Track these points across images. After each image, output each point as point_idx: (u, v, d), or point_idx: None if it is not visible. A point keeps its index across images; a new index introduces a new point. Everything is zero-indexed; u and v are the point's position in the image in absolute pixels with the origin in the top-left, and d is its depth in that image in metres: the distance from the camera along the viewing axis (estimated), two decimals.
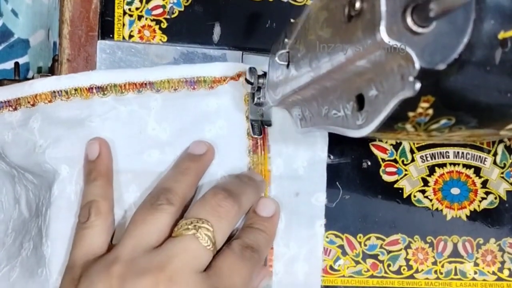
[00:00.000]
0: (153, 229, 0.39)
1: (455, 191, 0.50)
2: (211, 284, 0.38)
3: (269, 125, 0.46)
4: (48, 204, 0.43)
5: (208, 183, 0.45)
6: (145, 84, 0.44)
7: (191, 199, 0.44)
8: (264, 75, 0.43)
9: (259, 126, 0.46)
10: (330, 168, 0.48)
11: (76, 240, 0.41)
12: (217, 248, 0.39)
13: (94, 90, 0.44)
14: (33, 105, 0.43)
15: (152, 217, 0.39)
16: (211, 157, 0.45)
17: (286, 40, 0.37)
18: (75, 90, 0.43)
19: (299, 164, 0.46)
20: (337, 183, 0.48)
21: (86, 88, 0.44)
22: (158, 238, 0.39)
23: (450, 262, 0.49)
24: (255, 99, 0.45)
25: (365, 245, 0.48)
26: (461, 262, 0.49)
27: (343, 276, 0.48)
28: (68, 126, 0.43)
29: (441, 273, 0.49)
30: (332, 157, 0.48)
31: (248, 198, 0.43)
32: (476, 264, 0.49)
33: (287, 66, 0.37)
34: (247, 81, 0.44)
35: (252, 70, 0.44)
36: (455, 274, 0.49)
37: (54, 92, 0.43)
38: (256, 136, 0.46)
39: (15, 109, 0.44)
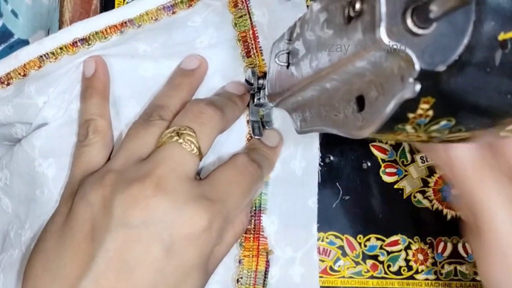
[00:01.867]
0: (144, 142, 0.40)
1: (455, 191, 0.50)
2: (201, 192, 0.38)
3: (270, 125, 0.46)
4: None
5: (207, 93, 0.45)
6: (125, 23, 0.44)
7: None
8: (264, 76, 0.43)
9: (260, 127, 0.46)
10: (330, 168, 0.48)
11: (75, 158, 0.42)
12: (203, 153, 0.40)
13: (79, 43, 0.44)
14: (24, 75, 0.44)
15: (144, 131, 0.40)
16: (204, 71, 0.45)
17: (286, 40, 0.37)
18: (61, 48, 0.44)
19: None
20: (337, 183, 0.48)
21: (70, 44, 0.44)
22: (148, 150, 0.40)
23: (450, 263, 0.49)
24: (255, 100, 0.45)
25: (365, 245, 0.48)
26: (461, 263, 0.49)
27: (343, 277, 0.48)
28: (63, 81, 0.44)
29: (441, 274, 0.49)
30: (332, 157, 0.48)
31: (232, 111, 0.43)
32: (476, 265, 0.49)
33: (287, 67, 0.37)
34: (247, 82, 0.44)
35: (252, 71, 0.44)
36: (455, 275, 0.49)
37: (41, 56, 0.44)
38: (257, 137, 0.46)
39: (8, 84, 0.44)
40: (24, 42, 0.57)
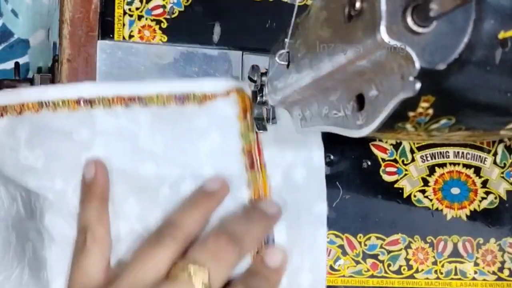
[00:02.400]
0: (152, 267, 0.39)
1: (455, 191, 0.50)
2: None
3: (274, 122, 0.46)
4: (43, 208, 0.43)
5: None
6: (134, 98, 0.44)
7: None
8: (266, 73, 0.43)
9: (263, 123, 0.46)
10: (330, 168, 0.48)
11: (74, 267, 0.41)
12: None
13: (82, 102, 0.43)
14: (20, 113, 0.43)
15: (154, 254, 0.39)
16: (224, 194, 0.44)
17: (286, 40, 0.37)
18: (63, 101, 0.43)
19: (298, 173, 0.46)
20: (337, 183, 0.48)
21: (74, 100, 0.43)
22: (155, 278, 0.39)
23: (450, 262, 0.49)
24: (258, 97, 0.45)
25: (365, 245, 0.48)
26: (461, 262, 0.49)
27: (343, 276, 0.48)
28: (57, 139, 0.43)
29: (441, 273, 0.49)
30: (332, 157, 0.48)
31: (253, 239, 0.42)
32: (476, 264, 0.49)
33: (287, 66, 0.37)
34: (250, 79, 0.44)
35: (255, 68, 0.44)
36: (455, 274, 0.49)
37: (41, 102, 0.43)
38: (261, 132, 0.45)
39: (1, 115, 0.43)
40: (24, 42, 0.57)
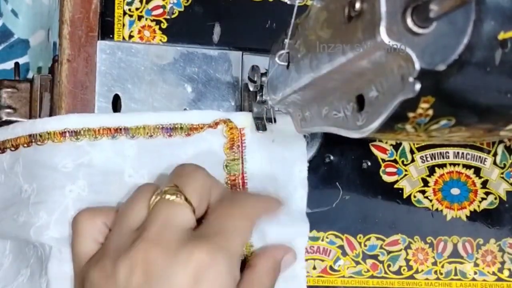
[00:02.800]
0: (136, 212, 0.39)
1: (455, 191, 0.50)
2: (197, 234, 0.38)
3: (273, 122, 0.46)
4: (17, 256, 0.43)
5: None
6: (120, 129, 0.43)
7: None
8: (266, 73, 0.43)
9: (263, 123, 0.46)
10: (330, 168, 0.48)
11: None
12: (194, 203, 0.39)
13: (67, 134, 0.43)
14: (16, 148, 0.43)
15: (134, 202, 0.40)
16: None
17: (286, 40, 0.37)
18: (48, 133, 0.43)
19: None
20: (337, 183, 0.48)
21: (59, 132, 0.43)
22: (140, 218, 0.39)
23: (450, 263, 0.49)
24: (258, 97, 0.45)
25: (365, 245, 0.48)
26: (461, 263, 0.49)
27: (343, 276, 0.48)
28: (45, 172, 0.43)
29: (441, 274, 0.49)
30: (332, 157, 0.48)
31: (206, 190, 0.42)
32: (476, 265, 0.49)
33: (287, 66, 0.37)
34: (250, 79, 0.44)
35: (255, 68, 0.44)
36: (455, 274, 0.49)
37: (30, 135, 0.43)
38: (261, 132, 0.45)
39: (3, 151, 0.44)
40: (24, 42, 0.57)
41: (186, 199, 0.39)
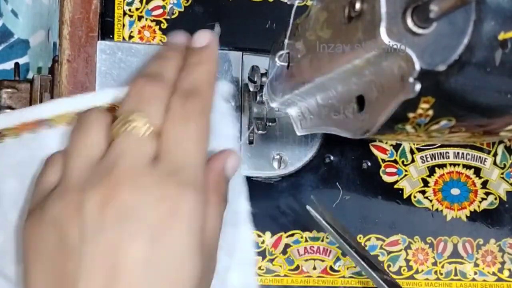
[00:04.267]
0: (93, 141, 0.37)
1: (455, 191, 0.50)
2: (164, 169, 0.36)
3: (273, 122, 0.46)
4: None
5: None
6: (40, 122, 0.41)
7: None
8: (267, 73, 0.42)
9: (263, 124, 0.46)
10: (330, 168, 0.48)
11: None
12: (157, 130, 0.37)
13: None
14: None
15: (86, 129, 0.38)
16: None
17: (286, 40, 0.37)
18: None
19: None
20: (337, 183, 0.48)
21: None
22: (100, 148, 0.37)
23: (450, 263, 0.49)
24: (258, 97, 0.45)
25: (365, 245, 0.48)
26: (461, 263, 0.49)
27: (343, 276, 0.48)
28: None
29: (441, 274, 0.49)
30: (332, 157, 0.48)
31: (172, 68, 0.39)
32: (476, 265, 0.49)
33: (287, 66, 0.37)
34: (250, 80, 0.44)
35: (255, 68, 0.44)
36: (455, 274, 0.49)
37: None
38: (261, 132, 0.45)
39: None
40: (24, 42, 0.57)
41: (152, 128, 0.36)
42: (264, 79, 0.43)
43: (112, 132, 0.37)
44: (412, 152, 0.49)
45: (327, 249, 0.48)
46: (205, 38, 0.40)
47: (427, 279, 0.49)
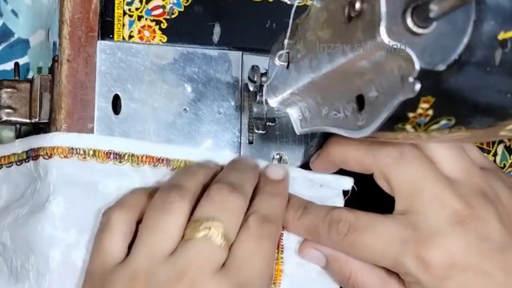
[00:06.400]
0: (167, 235, 0.38)
1: None
2: (232, 280, 0.37)
3: (273, 122, 0.46)
4: (40, 270, 0.41)
5: None
6: (162, 159, 0.44)
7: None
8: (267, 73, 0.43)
9: (263, 124, 0.46)
10: None
11: (95, 244, 0.41)
12: (231, 241, 0.38)
13: (112, 156, 0.43)
14: (50, 156, 0.43)
15: (164, 222, 0.38)
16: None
17: (286, 40, 0.37)
18: (94, 151, 0.43)
19: (311, 266, 0.45)
20: None
21: (104, 152, 0.43)
22: (172, 243, 0.38)
23: None
24: (258, 97, 0.45)
25: None
26: None
27: None
28: (82, 189, 0.42)
29: None
30: None
31: (251, 185, 0.42)
32: None
33: (287, 66, 0.37)
34: (250, 79, 0.44)
35: (254, 68, 0.44)
36: None
37: (72, 148, 0.43)
38: (261, 132, 0.45)
39: (35, 158, 0.43)
40: (24, 42, 0.57)
41: (227, 240, 0.38)
42: (264, 78, 0.43)
43: (187, 230, 0.38)
44: None
45: None
46: (280, 173, 0.44)
47: None
